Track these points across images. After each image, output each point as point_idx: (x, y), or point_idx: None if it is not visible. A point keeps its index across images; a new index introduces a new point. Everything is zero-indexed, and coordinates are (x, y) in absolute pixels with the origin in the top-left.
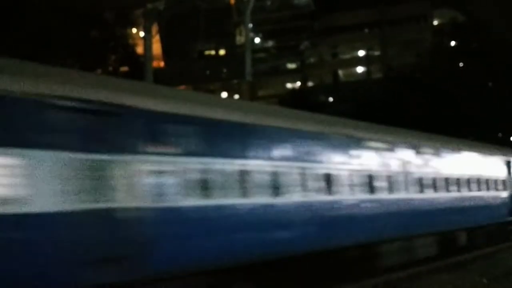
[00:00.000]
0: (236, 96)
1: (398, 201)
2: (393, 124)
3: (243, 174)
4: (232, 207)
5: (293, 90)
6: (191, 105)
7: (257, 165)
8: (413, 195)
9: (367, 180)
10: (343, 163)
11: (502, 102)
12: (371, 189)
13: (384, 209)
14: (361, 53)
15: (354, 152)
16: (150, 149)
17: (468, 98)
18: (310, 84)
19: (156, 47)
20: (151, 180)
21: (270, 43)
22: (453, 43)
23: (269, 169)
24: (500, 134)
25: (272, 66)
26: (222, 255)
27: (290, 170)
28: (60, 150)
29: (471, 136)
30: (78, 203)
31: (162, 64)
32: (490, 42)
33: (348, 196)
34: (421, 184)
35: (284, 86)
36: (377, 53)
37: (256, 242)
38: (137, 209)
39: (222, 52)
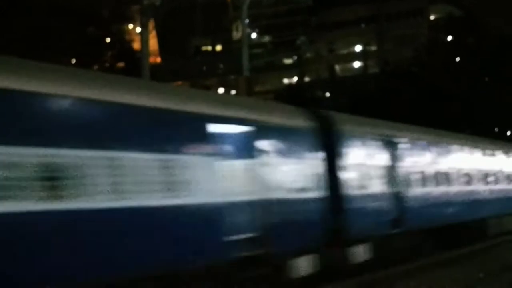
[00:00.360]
0: (233, 92)
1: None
2: (389, 119)
3: None
4: None
5: (290, 85)
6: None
7: None
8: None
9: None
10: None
11: (498, 97)
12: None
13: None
14: (358, 48)
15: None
16: None
17: (464, 93)
18: (306, 79)
19: (153, 43)
20: None
21: (267, 39)
22: (449, 38)
23: None
24: (496, 129)
25: (269, 62)
26: None
27: None
28: None
29: (468, 130)
30: None
31: (158, 60)
32: (486, 37)
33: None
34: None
35: (281, 82)
36: (373, 48)
37: None
38: None
39: (218, 47)
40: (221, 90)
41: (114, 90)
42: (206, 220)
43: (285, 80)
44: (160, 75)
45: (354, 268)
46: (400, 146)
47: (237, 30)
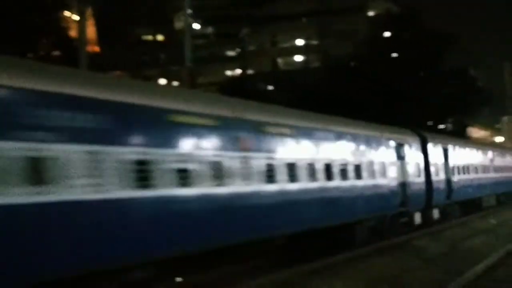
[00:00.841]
0: (176, 83)
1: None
2: (331, 112)
3: None
4: None
5: (233, 77)
6: None
7: None
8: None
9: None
10: None
11: (433, 91)
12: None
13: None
14: (300, 42)
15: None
16: None
17: (402, 87)
18: (249, 72)
19: (91, 31)
20: None
21: (210, 30)
22: (387, 34)
23: None
24: (430, 123)
25: (212, 53)
26: None
27: None
28: None
29: (405, 123)
30: None
31: (97, 49)
32: (422, 32)
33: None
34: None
35: (223, 74)
36: (315, 42)
37: None
38: None
39: (160, 37)
40: (163, 81)
41: None
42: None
43: (228, 72)
44: (99, 65)
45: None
46: None
47: (179, 20)
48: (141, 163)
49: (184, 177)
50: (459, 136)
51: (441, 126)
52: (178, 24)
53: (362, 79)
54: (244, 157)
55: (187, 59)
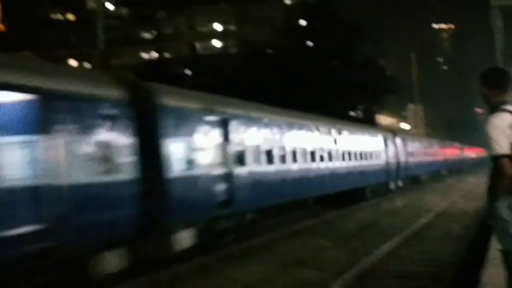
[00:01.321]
0: (87, 65)
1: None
2: (248, 99)
3: None
4: None
5: (149, 61)
6: None
7: None
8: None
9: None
10: None
11: (344, 80)
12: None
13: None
14: (218, 27)
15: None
16: None
17: (316, 76)
18: (166, 55)
19: None
20: None
21: (124, 11)
22: (303, 23)
23: None
24: (340, 110)
25: (127, 35)
26: None
27: None
28: None
29: (317, 111)
30: None
31: (1, 27)
32: (334, 22)
33: None
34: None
35: (139, 57)
36: (233, 28)
37: None
38: None
39: (71, 17)
40: (73, 63)
41: None
42: None
43: (144, 55)
44: (5, 45)
45: None
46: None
47: None
48: None
49: None
50: (368, 123)
51: (352, 114)
52: (91, 4)
53: (278, 67)
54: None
55: (100, 40)
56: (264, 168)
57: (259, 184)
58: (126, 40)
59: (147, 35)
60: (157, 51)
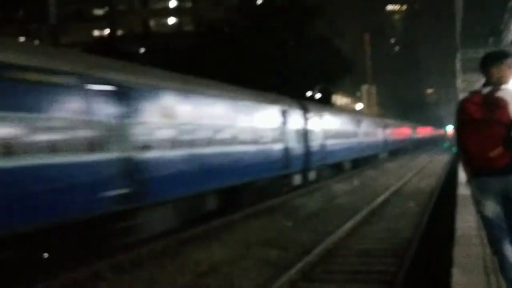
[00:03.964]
0: (37, 42)
1: None
2: (204, 76)
3: None
4: None
5: (101, 37)
6: None
7: None
8: None
9: None
10: None
11: (300, 60)
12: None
13: None
14: (173, 3)
15: None
16: None
17: (272, 55)
18: (119, 32)
19: None
20: None
21: None
22: (260, 1)
23: None
24: (298, 91)
25: (78, 11)
26: None
27: None
28: None
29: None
30: None
31: None
32: (289, 1)
33: None
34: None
35: (90, 34)
36: (188, 5)
37: None
38: None
39: None
40: (22, 39)
41: None
42: None
43: (96, 32)
44: None
45: None
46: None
47: None
48: None
49: None
50: (325, 103)
51: (309, 94)
52: None
53: (235, 45)
54: None
55: (52, 15)
56: None
57: None
58: (77, 16)
59: (99, 11)
60: (109, 28)
